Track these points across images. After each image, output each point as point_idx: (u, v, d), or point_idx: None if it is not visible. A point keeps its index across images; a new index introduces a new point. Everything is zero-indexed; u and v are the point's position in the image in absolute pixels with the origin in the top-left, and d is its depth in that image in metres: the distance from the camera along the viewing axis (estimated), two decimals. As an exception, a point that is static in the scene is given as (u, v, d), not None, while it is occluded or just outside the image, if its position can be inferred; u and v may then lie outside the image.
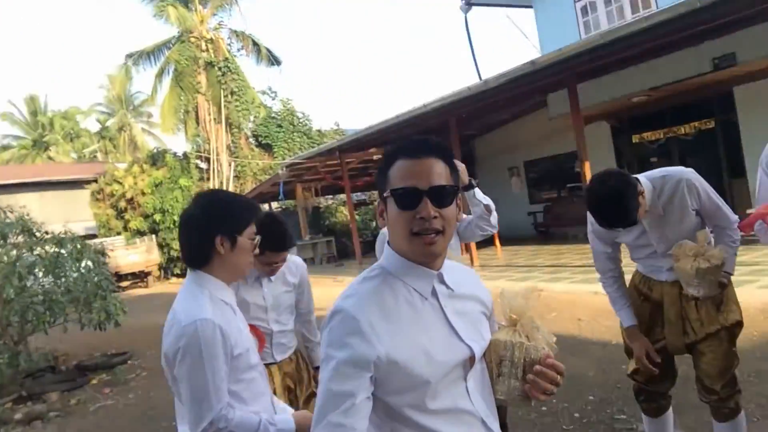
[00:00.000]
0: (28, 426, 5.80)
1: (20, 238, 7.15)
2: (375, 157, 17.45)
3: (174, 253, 23.13)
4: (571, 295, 8.21)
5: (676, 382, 2.95)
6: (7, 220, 7.27)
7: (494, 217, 3.05)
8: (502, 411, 2.84)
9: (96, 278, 7.36)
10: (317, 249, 20.87)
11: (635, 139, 14.68)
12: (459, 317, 1.42)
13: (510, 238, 17.96)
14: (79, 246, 7.64)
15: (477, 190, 3.00)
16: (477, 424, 1.40)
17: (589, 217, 2.67)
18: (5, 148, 41.60)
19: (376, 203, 1.47)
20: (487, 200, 3.01)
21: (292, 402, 2.85)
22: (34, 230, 7.28)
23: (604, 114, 14.13)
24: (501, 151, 18.49)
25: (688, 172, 2.59)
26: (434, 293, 1.41)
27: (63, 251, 7.30)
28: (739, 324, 2.67)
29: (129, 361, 8.18)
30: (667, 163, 14.31)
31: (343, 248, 21.74)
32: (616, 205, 2.36)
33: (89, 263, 7.56)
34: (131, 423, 5.67)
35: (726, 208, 2.67)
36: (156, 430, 5.38)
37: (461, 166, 3.01)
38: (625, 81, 12.11)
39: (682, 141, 13.71)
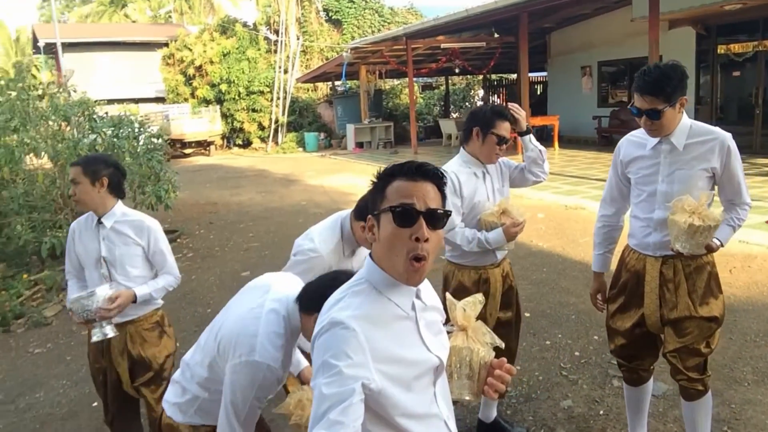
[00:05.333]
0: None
1: (81, 119, 7.41)
2: (443, 46, 16.94)
3: (237, 124, 23.60)
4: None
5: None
6: (71, 100, 7.58)
7: (546, 164, 3.19)
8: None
9: (150, 161, 7.68)
10: (375, 133, 20.74)
11: (721, 49, 13.61)
12: (428, 329, 1.55)
13: (571, 140, 17.45)
14: (137, 126, 7.93)
15: (531, 136, 3.14)
16: (442, 425, 1.55)
17: (617, 149, 2.83)
18: (84, 1, 41.96)
19: (367, 218, 1.53)
20: (540, 146, 3.14)
21: None
22: (93, 113, 7.50)
23: (691, 19, 13.04)
24: (576, 49, 17.53)
25: (730, 137, 2.58)
26: (413, 308, 1.53)
27: (120, 132, 7.57)
28: (715, 319, 2.62)
29: (178, 240, 8.40)
30: (752, 79, 13.31)
31: (402, 133, 21.62)
32: (663, 70, 2.48)
33: (143, 144, 7.87)
34: (168, 304, 5.86)
35: (746, 188, 2.64)
36: (192, 315, 5.50)
37: (522, 113, 3.04)
38: (718, -14, 11.09)
39: (773, 57, 12.61)
